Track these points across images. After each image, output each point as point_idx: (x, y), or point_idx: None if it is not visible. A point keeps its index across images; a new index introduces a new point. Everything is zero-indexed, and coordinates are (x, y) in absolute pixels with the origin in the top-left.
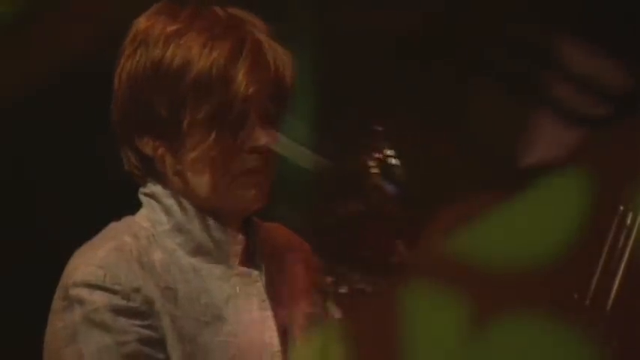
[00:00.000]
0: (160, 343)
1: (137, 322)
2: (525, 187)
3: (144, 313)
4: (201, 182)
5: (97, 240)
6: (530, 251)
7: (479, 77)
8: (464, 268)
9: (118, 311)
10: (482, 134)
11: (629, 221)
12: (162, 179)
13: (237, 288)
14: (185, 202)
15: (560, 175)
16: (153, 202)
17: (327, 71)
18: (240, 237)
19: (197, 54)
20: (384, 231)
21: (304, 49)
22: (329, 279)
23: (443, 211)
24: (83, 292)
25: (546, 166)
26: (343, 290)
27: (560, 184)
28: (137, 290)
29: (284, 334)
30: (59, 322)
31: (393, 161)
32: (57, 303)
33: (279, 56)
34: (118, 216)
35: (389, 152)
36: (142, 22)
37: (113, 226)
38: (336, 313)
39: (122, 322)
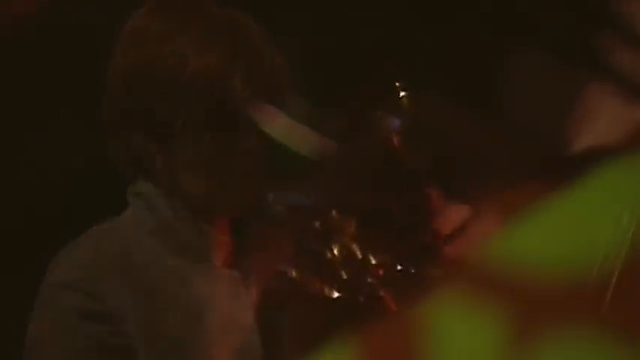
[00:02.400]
0: (123, 350)
1: (104, 328)
2: (575, 179)
3: (114, 317)
4: (192, 183)
5: (78, 241)
6: (579, 256)
7: (519, 40)
8: (500, 275)
9: (85, 315)
10: (521, 111)
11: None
12: (153, 177)
13: (219, 289)
14: (175, 201)
15: (619, 163)
16: (140, 201)
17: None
18: (224, 238)
19: (193, 54)
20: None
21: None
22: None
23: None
24: (56, 293)
25: (602, 153)
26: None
27: (619, 174)
28: (111, 293)
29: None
30: (31, 323)
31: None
32: (35, 303)
33: (275, 60)
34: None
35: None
36: (138, 18)
37: (97, 227)
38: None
39: (87, 326)
